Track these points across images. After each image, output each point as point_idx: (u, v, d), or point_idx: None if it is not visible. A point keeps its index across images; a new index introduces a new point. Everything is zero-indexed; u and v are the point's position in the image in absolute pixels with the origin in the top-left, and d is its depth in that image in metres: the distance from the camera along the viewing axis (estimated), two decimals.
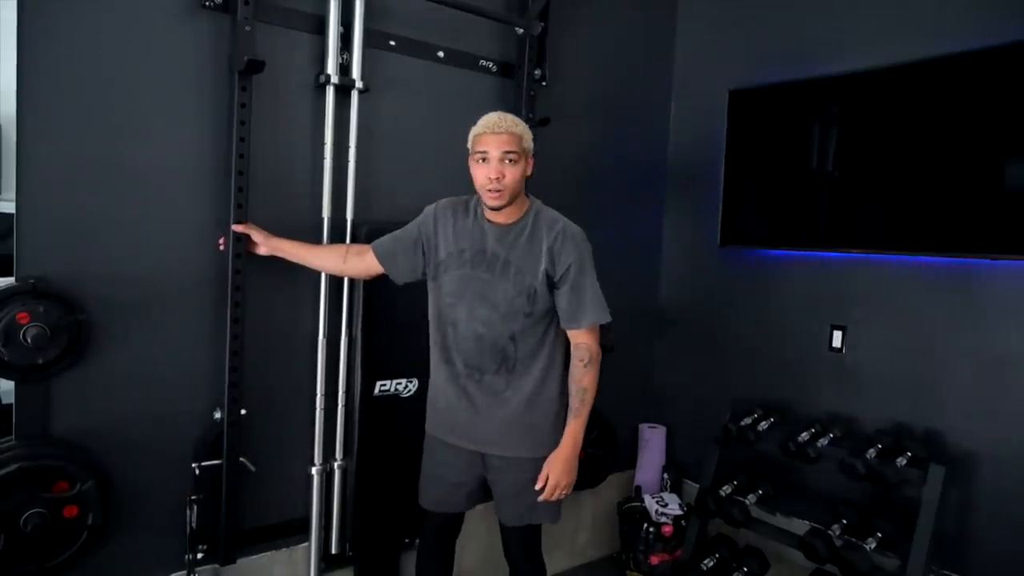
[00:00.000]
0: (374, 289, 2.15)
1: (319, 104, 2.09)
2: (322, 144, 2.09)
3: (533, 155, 1.75)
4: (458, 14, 2.30)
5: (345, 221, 2.15)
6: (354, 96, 2.13)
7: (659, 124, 3.19)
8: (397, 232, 1.89)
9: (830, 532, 2.31)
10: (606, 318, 1.75)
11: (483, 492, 1.92)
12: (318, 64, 2.09)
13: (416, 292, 2.23)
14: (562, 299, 1.74)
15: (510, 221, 1.76)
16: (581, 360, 1.75)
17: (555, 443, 1.78)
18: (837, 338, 2.61)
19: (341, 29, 2.08)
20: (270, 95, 1.99)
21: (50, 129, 1.70)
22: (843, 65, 2.54)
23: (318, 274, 2.12)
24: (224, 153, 1.92)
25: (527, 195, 1.81)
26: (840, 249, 2.57)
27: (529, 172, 1.75)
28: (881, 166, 2.45)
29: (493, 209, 1.72)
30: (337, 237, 2.14)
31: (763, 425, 2.63)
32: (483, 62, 2.47)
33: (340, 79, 2.08)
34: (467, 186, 2.56)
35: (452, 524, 1.97)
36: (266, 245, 1.92)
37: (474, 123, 1.73)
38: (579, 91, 2.75)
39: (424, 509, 1.95)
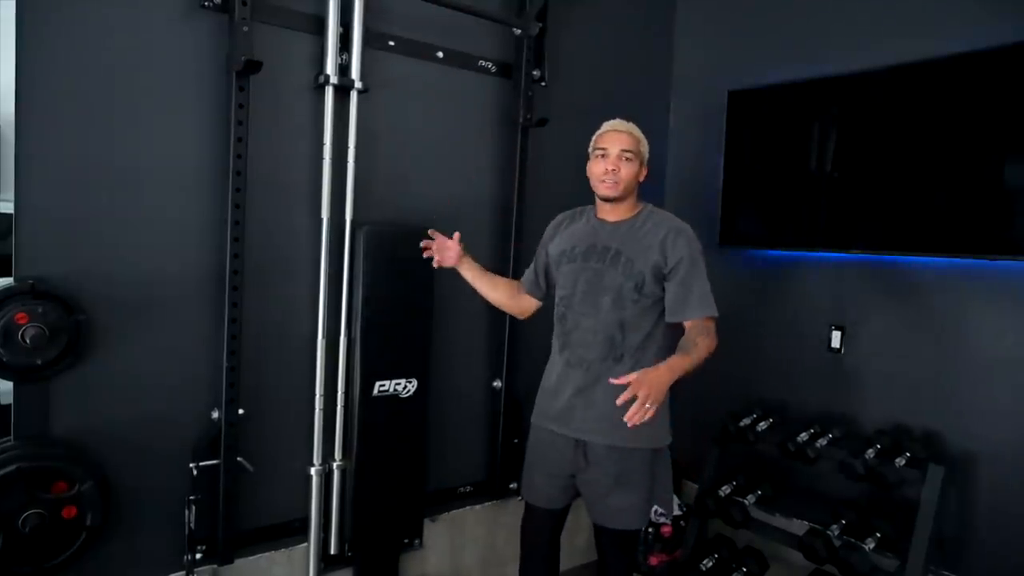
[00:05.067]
0: (373, 289, 2.15)
1: (318, 104, 2.09)
2: (321, 144, 2.09)
3: (648, 165, 1.87)
4: (457, 15, 2.30)
5: (345, 222, 2.15)
6: (353, 96, 2.13)
7: (658, 124, 3.18)
8: (536, 257, 2.03)
9: (829, 532, 2.30)
10: (713, 312, 1.77)
11: (574, 488, 1.91)
12: (317, 64, 2.09)
13: (415, 292, 2.24)
14: (670, 292, 1.78)
15: (622, 218, 1.86)
16: (700, 333, 1.74)
17: (657, 436, 1.82)
18: (836, 338, 2.61)
19: (340, 29, 2.08)
20: (269, 95, 1.99)
21: (49, 129, 1.70)
22: (842, 66, 2.54)
23: (316, 274, 2.12)
24: (222, 153, 1.92)
25: (641, 200, 1.90)
26: (839, 249, 2.57)
27: (642, 178, 1.87)
28: (880, 167, 2.44)
29: (605, 200, 1.83)
30: (336, 237, 2.14)
31: (762, 425, 2.62)
32: (482, 63, 2.47)
33: (339, 79, 2.08)
34: (466, 186, 2.56)
35: (551, 520, 1.97)
36: (459, 260, 2.00)
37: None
38: (578, 91, 2.75)
39: (525, 506, 2.00)
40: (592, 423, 1.80)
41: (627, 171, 1.80)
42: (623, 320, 1.79)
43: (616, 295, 1.79)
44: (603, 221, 1.88)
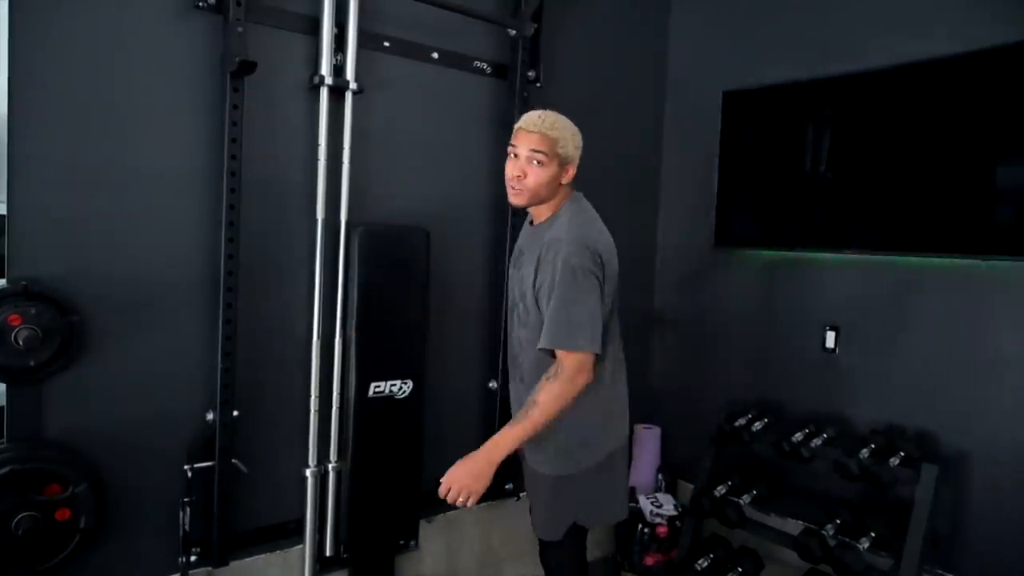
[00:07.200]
0: (368, 290, 2.15)
1: (313, 105, 2.09)
2: (316, 145, 2.09)
3: (571, 162, 1.63)
4: (452, 15, 2.30)
5: (340, 223, 2.15)
6: (348, 97, 2.12)
7: (653, 125, 3.19)
8: None
9: (824, 532, 2.31)
10: (565, 345, 1.52)
11: None
12: (312, 65, 2.08)
13: (410, 293, 2.24)
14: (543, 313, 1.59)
15: (541, 220, 1.70)
16: (546, 374, 1.55)
17: (556, 466, 1.68)
18: (830, 339, 2.62)
19: (335, 30, 2.07)
20: (264, 96, 1.99)
21: (41, 130, 1.69)
22: (837, 67, 2.55)
23: (311, 274, 2.11)
24: (217, 154, 1.91)
25: (571, 198, 1.69)
26: (833, 250, 2.58)
27: (565, 179, 1.64)
28: (874, 167, 2.45)
29: (513, 206, 1.68)
30: (331, 238, 2.14)
31: (757, 425, 2.63)
32: (477, 63, 2.47)
33: (334, 80, 2.08)
34: (461, 187, 2.57)
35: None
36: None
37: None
38: (573, 92, 2.75)
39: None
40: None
41: (536, 177, 1.57)
42: (521, 338, 1.66)
43: (522, 308, 1.65)
44: (531, 224, 1.74)
